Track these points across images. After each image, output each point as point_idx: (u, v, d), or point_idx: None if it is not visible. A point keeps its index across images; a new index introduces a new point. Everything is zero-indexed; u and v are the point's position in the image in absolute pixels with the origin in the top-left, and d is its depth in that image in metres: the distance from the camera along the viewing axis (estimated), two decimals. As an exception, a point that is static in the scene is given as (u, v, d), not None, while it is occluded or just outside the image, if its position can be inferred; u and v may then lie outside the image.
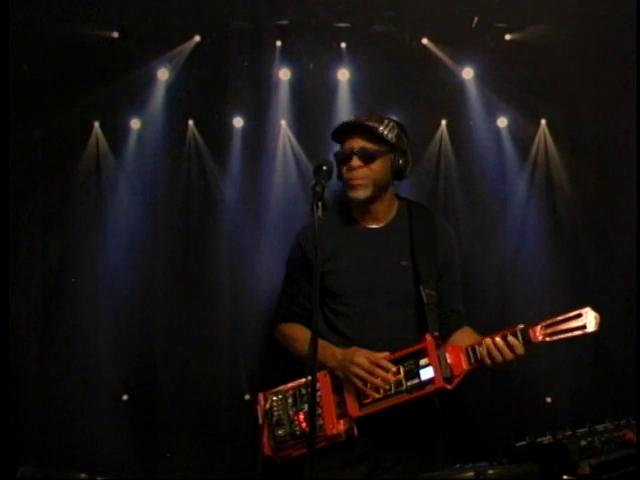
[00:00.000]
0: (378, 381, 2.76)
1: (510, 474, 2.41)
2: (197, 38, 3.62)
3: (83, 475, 2.65)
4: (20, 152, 3.50)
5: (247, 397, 3.56)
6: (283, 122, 3.68)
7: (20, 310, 3.56)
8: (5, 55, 3.19)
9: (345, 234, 3.02)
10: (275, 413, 2.92)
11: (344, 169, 2.94)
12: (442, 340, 2.85)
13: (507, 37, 3.61)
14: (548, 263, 3.64)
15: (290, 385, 2.96)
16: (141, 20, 3.61)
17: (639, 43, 3.44)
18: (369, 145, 2.92)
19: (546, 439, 2.52)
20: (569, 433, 2.50)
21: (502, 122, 3.68)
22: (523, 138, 3.67)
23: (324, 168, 2.66)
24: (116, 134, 3.69)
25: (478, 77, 3.64)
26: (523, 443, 2.57)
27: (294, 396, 2.92)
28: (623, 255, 3.58)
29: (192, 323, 3.68)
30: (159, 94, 3.66)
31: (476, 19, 3.58)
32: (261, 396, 3.00)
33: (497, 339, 2.68)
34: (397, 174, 3.00)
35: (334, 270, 2.95)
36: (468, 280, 3.36)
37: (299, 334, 3.02)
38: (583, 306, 2.61)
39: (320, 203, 2.50)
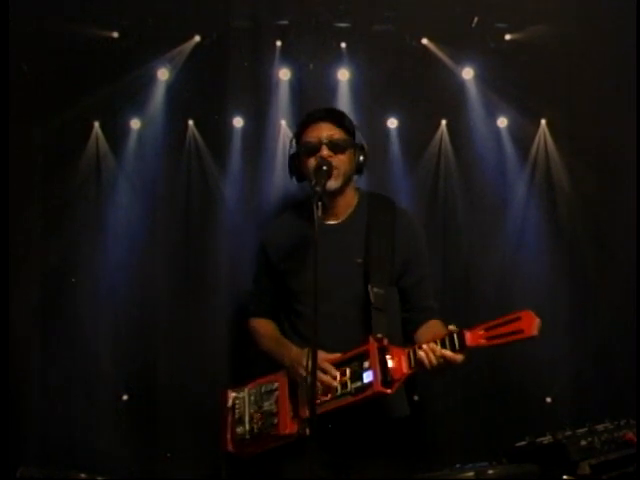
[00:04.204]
0: (318, 384, 2.62)
1: (510, 474, 2.42)
2: (197, 38, 3.63)
3: (83, 475, 2.66)
4: (20, 152, 3.49)
5: (247, 397, 3.56)
6: (283, 122, 3.68)
7: (20, 310, 3.55)
8: (5, 55, 3.19)
9: (303, 232, 2.88)
10: (237, 410, 2.89)
11: (310, 160, 2.81)
12: (409, 336, 2.79)
13: (507, 37, 3.62)
14: (548, 263, 3.64)
15: (255, 382, 2.90)
16: (141, 20, 3.61)
17: (639, 43, 3.45)
18: (337, 135, 2.83)
19: (546, 439, 2.53)
20: (569, 433, 2.51)
21: (502, 122, 3.68)
22: (523, 138, 3.68)
23: (324, 168, 2.66)
24: (116, 134, 3.69)
25: (478, 77, 3.64)
26: (523, 443, 2.58)
27: (255, 394, 2.88)
28: (623, 255, 3.58)
29: (192, 323, 3.68)
30: (159, 94, 3.66)
31: (476, 19, 3.59)
32: (229, 393, 2.95)
33: (436, 348, 2.53)
34: (358, 169, 2.91)
35: (292, 269, 2.89)
36: (468, 280, 3.36)
37: (265, 329, 3.02)
38: (528, 310, 2.43)
39: (320, 203, 2.48)
